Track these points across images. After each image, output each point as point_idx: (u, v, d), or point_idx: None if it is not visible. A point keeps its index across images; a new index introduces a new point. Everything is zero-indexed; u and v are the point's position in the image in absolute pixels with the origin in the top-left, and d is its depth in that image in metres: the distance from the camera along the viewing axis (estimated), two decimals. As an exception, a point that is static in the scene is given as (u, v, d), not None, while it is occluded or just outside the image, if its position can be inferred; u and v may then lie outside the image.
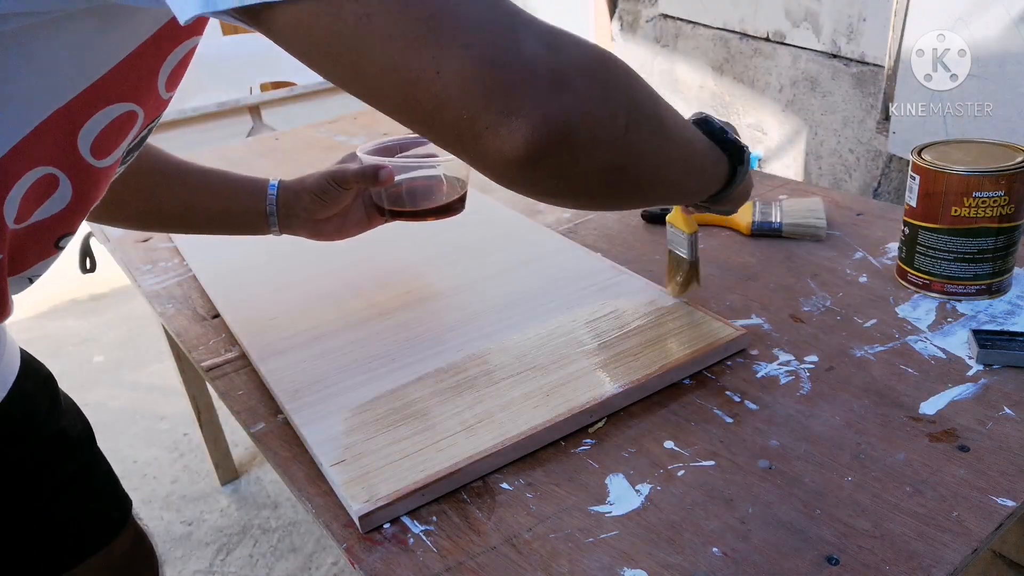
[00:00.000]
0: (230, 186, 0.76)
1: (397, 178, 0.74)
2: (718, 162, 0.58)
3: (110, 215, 0.75)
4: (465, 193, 0.77)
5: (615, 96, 0.41)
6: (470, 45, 0.35)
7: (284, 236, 0.79)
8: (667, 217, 0.77)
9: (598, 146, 0.41)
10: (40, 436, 0.64)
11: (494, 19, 0.36)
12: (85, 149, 0.49)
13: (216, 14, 0.35)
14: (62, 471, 0.66)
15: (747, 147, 0.60)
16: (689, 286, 0.76)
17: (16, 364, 0.61)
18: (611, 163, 0.43)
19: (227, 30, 2.97)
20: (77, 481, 0.68)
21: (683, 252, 0.75)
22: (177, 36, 0.49)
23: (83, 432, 0.70)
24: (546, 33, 0.39)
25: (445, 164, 0.77)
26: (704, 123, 0.59)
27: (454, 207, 0.77)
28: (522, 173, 0.39)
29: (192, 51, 0.53)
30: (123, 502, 0.74)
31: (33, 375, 0.64)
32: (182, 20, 0.35)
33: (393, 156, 0.77)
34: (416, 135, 0.80)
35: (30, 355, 0.66)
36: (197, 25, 0.51)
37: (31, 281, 0.57)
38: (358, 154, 0.75)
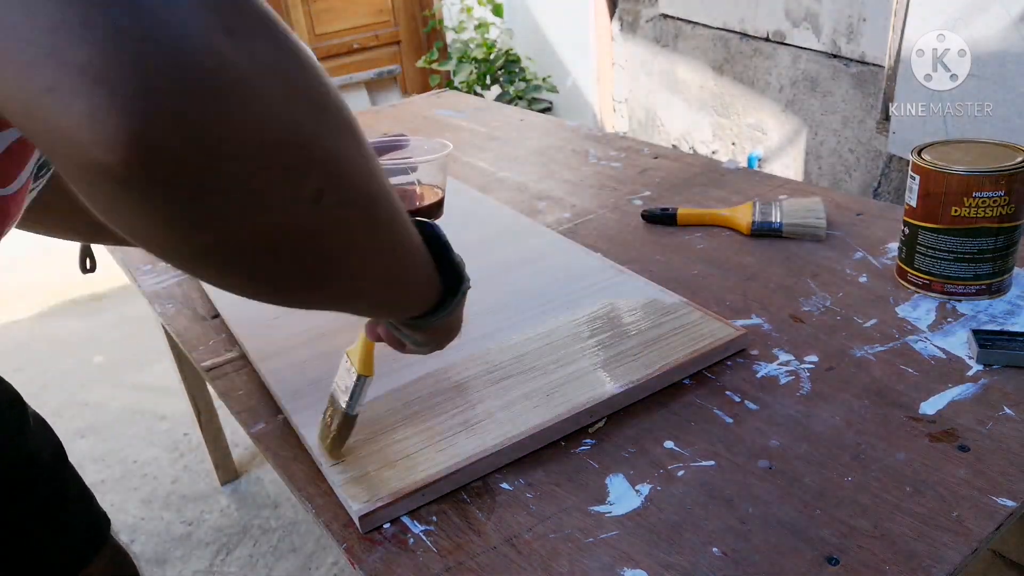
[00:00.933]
0: None
1: None
2: (429, 282, 0.46)
3: (61, 229, 0.70)
4: (442, 198, 0.72)
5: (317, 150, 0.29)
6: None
7: None
8: (347, 350, 0.57)
9: (267, 206, 0.28)
10: (6, 463, 0.62)
11: None
12: None
13: None
14: (31, 497, 0.64)
15: (467, 281, 0.49)
16: (344, 443, 0.59)
17: None
18: (278, 238, 0.30)
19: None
20: (47, 507, 0.66)
21: (342, 399, 0.57)
22: None
23: (53, 453, 0.68)
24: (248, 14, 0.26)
25: (420, 169, 0.73)
26: (428, 229, 0.46)
27: (430, 213, 0.73)
28: (101, 191, 0.25)
29: None
30: (99, 523, 0.72)
31: None
32: None
33: None
34: (390, 138, 0.75)
35: None
36: None
37: None
38: None
